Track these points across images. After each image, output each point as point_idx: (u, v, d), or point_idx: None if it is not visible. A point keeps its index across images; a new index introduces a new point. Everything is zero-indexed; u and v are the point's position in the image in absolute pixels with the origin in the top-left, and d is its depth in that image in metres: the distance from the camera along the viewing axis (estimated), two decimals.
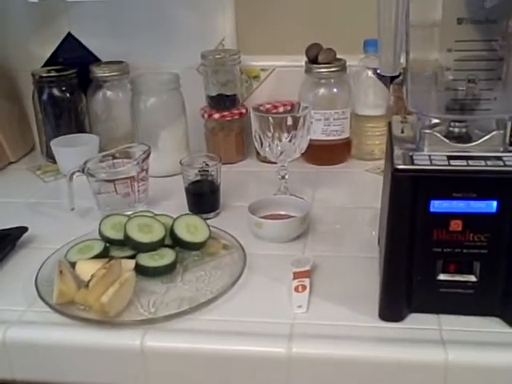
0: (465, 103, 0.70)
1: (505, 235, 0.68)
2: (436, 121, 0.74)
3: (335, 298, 0.77)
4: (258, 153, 1.22)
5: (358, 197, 1.07)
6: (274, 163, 1.04)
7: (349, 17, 1.20)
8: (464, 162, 0.67)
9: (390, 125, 0.81)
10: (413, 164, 0.68)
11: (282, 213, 0.95)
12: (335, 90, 1.17)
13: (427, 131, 0.71)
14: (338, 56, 1.17)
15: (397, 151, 0.71)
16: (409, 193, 0.68)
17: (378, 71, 1.15)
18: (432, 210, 0.68)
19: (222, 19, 1.23)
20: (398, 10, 0.65)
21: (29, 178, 1.22)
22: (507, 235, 0.68)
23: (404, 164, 0.68)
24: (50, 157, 1.25)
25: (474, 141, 0.71)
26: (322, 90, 1.17)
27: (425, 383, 0.67)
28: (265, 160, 1.18)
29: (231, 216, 1.01)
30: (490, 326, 0.71)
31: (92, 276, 0.75)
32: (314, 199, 1.06)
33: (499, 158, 0.68)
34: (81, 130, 1.27)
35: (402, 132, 0.78)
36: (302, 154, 1.03)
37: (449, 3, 0.66)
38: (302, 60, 1.18)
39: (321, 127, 1.17)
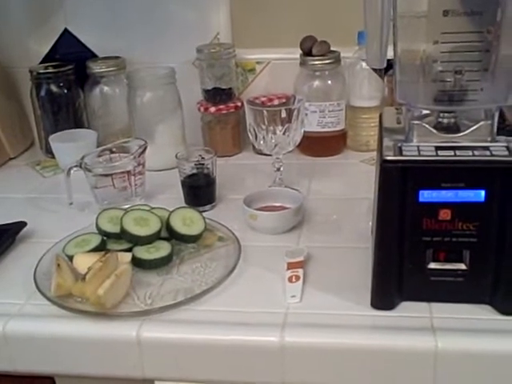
0: (453, 94, 0.71)
1: (493, 223, 0.69)
2: (426, 112, 0.75)
3: (328, 287, 0.79)
4: (253, 145, 1.23)
5: (353, 188, 1.08)
6: (270, 155, 1.05)
7: (343, 9, 1.20)
8: (451, 153, 0.68)
9: (381, 116, 0.82)
10: (401, 155, 0.69)
11: (277, 204, 0.97)
12: (330, 82, 1.18)
13: (416, 122, 0.72)
14: (333, 48, 1.17)
15: (386, 142, 0.72)
16: (398, 183, 0.69)
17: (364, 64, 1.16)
18: (421, 199, 0.69)
19: (217, 13, 1.24)
20: (384, 2, 0.66)
21: (28, 174, 1.24)
22: (495, 223, 0.69)
23: (393, 155, 0.69)
24: (49, 152, 1.26)
25: (463, 131, 0.72)
26: (316, 83, 1.18)
27: (416, 370, 0.69)
28: (261, 152, 1.19)
29: (227, 208, 1.02)
30: (480, 314, 0.72)
31: (89, 269, 0.76)
32: (309, 191, 1.07)
33: (486, 148, 0.68)
34: (79, 125, 1.28)
35: (399, 122, 0.78)
36: (297, 146, 1.04)
37: None
38: (297, 53, 1.19)
39: (316, 119, 1.18)
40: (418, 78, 0.71)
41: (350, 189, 1.08)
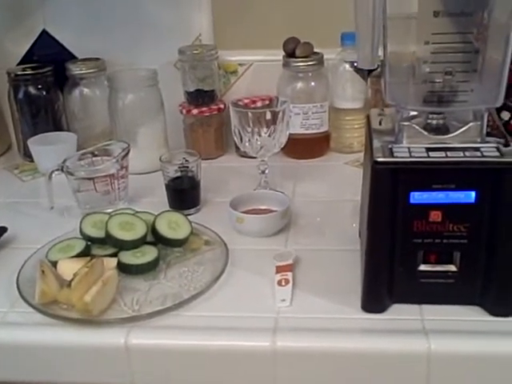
0: (442, 95, 0.71)
1: (484, 225, 0.69)
2: (414, 113, 0.75)
3: (318, 291, 0.78)
4: (237, 148, 1.22)
5: (338, 190, 1.07)
6: (254, 158, 1.04)
7: (326, 11, 1.20)
8: (443, 154, 0.68)
9: (368, 118, 0.81)
10: (392, 156, 0.69)
11: (263, 207, 0.96)
12: (313, 83, 1.17)
13: (406, 123, 0.72)
14: (316, 50, 1.17)
15: (376, 144, 0.72)
16: (389, 185, 0.68)
17: (356, 65, 1.16)
18: (412, 201, 0.69)
19: (199, 14, 1.23)
20: (375, 3, 0.65)
21: (6, 178, 1.21)
22: (486, 225, 0.69)
23: (384, 157, 0.69)
24: (28, 156, 1.24)
25: (452, 132, 0.72)
26: (299, 84, 1.17)
27: (408, 373, 0.68)
28: (244, 155, 1.18)
29: (212, 211, 1.01)
30: (470, 315, 0.72)
31: (74, 275, 0.74)
32: (294, 193, 1.07)
33: (477, 149, 0.68)
34: (58, 128, 1.26)
35: (380, 124, 0.78)
36: (282, 148, 1.03)
37: None
38: (280, 54, 1.18)
39: (299, 121, 1.17)
40: (408, 80, 0.71)
41: (335, 191, 1.07)
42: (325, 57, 1.17)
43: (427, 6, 0.66)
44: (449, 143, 0.71)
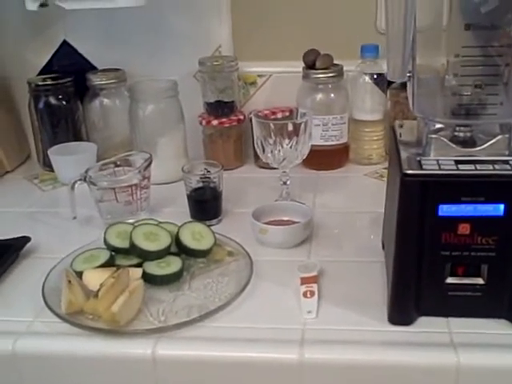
0: (470, 108, 0.71)
1: None
2: (439, 125, 0.75)
3: (343, 302, 0.78)
4: (256, 159, 1.23)
5: (358, 201, 1.07)
6: (273, 169, 1.05)
7: (346, 22, 1.21)
8: (472, 167, 0.68)
9: (393, 129, 0.81)
10: (421, 169, 0.68)
11: (285, 218, 0.96)
12: (333, 95, 1.18)
13: (434, 136, 0.72)
14: (335, 61, 1.17)
15: (403, 156, 0.72)
16: (417, 197, 0.68)
17: (375, 77, 1.17)
18: (440, 214, 0.69)
19: (219, 26, 1.24)
20: (407, 15, 0.65)
21: (26, 187, 1.21)
22: None
23: (412, 169, 0.69)
24: (47, 165, 1.24)
25: (479, 145, 0.72)
26: (319, 96, 1.18)
27: None
28: (263, 166, 1.19)
29: (233, 222, 1.01)
30: (497, 328, 0.72)
31: (101, 285, 0.74)
32: (314, 204, 1.07)
33: (506, 162, 0.68)
34: (78, 138, 1.26)
35: (400, 136, 0.78)
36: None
37: (455, 9, 0.66)
38: (299, 66, 1.19)
39: (319, 132, 1.17)
40: (436, 92, 0.71)
41: (355, 202, 1.07)
42: (344, 68, 1.18)
43: (458, 19, 0.66)
44: (476, 156, 0.71)
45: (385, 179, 1.07)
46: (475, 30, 0.66)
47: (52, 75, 1.26)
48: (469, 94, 0.70)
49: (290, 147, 0.98)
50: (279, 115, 1.13)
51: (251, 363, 0.70)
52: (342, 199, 1.10)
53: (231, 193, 1.09)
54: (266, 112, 1.14)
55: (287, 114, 1.09)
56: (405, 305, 0.73)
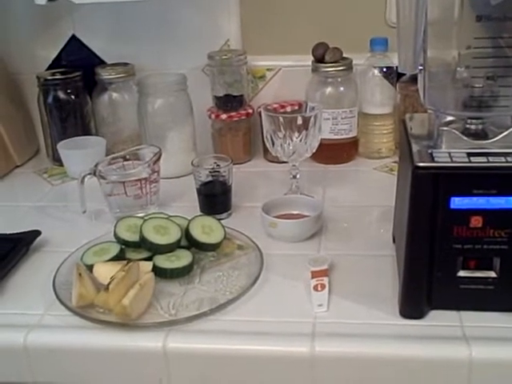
0: (482, 100, 0.70)
1: None
2: (450, 118, 0.74)
3: (353, 296, 0.78)
4: (265, 152, 1.23)
5: (367, 195, 1.07)
6: (282, 163, 1.04)
7: (355, 16, 1.20)
8: (484, 159, 0.67)
9: (404, 122, 0.81)
10: (433, 161, 0.68)
11: (295, 212, 0.96)
12: (342, 88, 1.17)
13: (445, 128, 0.72)
14: (345, 55, 1.17)
15: (415, 149, 0.72)
16: (429, 190, 0.68)
17: (385, 70, 1.16)
18: (452, 206, 0.68)
19: (227, 19, 1.23)
20: (418, 8, 0.65)
21: (36, 181, 1.22)
22: None
23: (424, 161, 0.68)
24: (57, 160, 1.24)
25: (491, 137, 0.71)
26: (329, 89, 1.17)
27: (449, 380, 0.68)
28: (272, 160, 1.19)
29: (243, 216, 1.01)
30: (510, 322, 0.71)
31: (111, 278, 0.74)
32: (324, 198, 1.06)
33: None
34: (87, 132, 1.26)
35: (411, 129, 0.78)
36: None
37: (466, 1, 0.66)
38: (308, 59, 1.18)
39: (329, 126, 1.17)
40: (447, 84, 0.71)
41: (365, 196, 1.07)
42: (354, 62, 1.17)
43: (469, 10, 0.66)
44: (488, 148, 0.70)
45: (394, 173, 1.07)
46: (486, 22, 0.65)
47: (61, 70, 1.26)
48: (481, 86, 0.69)
49: (300, 141, 0.97)
50: (288, 109, 1.13)
51: (262, 356, 0.70)
52: (352, 193, 1.09)
53: (241, 187, 1.09)
54: (275, 106, 1.14)
55: (296, 107, 1.08)
56: (416, 298, 0.73)
